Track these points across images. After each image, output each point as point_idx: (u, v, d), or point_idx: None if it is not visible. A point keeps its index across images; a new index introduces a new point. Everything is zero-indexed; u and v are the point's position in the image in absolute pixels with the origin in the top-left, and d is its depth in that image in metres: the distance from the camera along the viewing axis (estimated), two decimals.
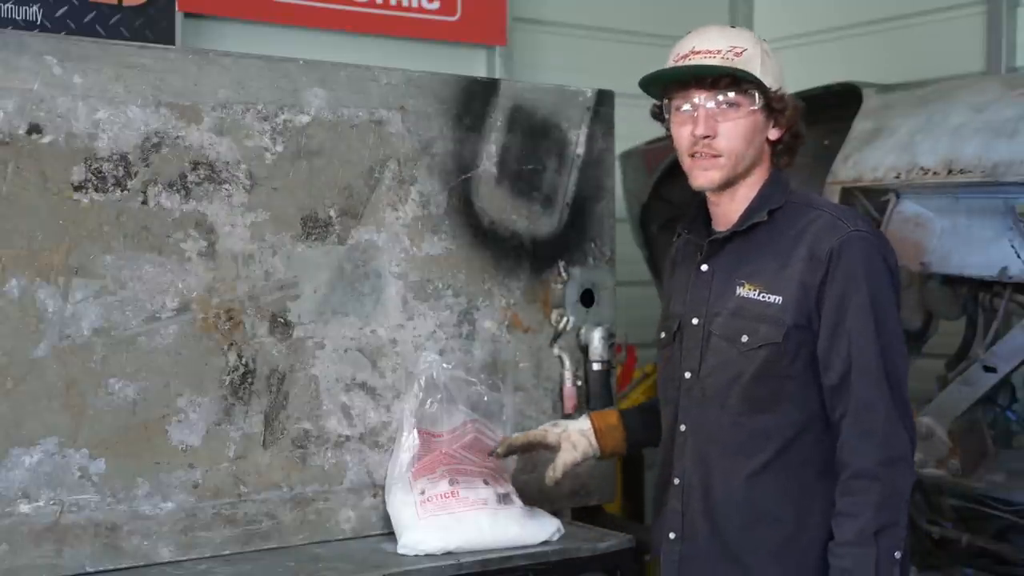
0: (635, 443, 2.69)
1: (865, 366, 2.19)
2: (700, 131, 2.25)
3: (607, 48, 5.38)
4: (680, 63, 2.28)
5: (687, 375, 2.36)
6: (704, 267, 2.37)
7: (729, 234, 2.33)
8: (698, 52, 2.26)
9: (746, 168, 2.30)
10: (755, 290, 2.27)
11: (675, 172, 4.32)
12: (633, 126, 3.94)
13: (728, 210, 2.34)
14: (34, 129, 2.45)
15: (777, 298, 2.24)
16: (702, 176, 2.29)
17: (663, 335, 2.47)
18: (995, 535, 3.45)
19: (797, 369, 2.24)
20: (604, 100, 3.20)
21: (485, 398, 2.89)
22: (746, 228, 2.31)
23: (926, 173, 3.23)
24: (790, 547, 2.25)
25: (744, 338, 2.26)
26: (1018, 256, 3.17)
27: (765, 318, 2.24)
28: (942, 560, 3.54)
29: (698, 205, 2.45)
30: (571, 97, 3.15)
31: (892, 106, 3.53)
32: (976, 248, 3.26)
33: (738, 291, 2.29)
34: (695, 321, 2.36)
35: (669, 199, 4.47)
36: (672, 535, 2.38)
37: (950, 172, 3.17)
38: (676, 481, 2.37)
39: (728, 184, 2.30)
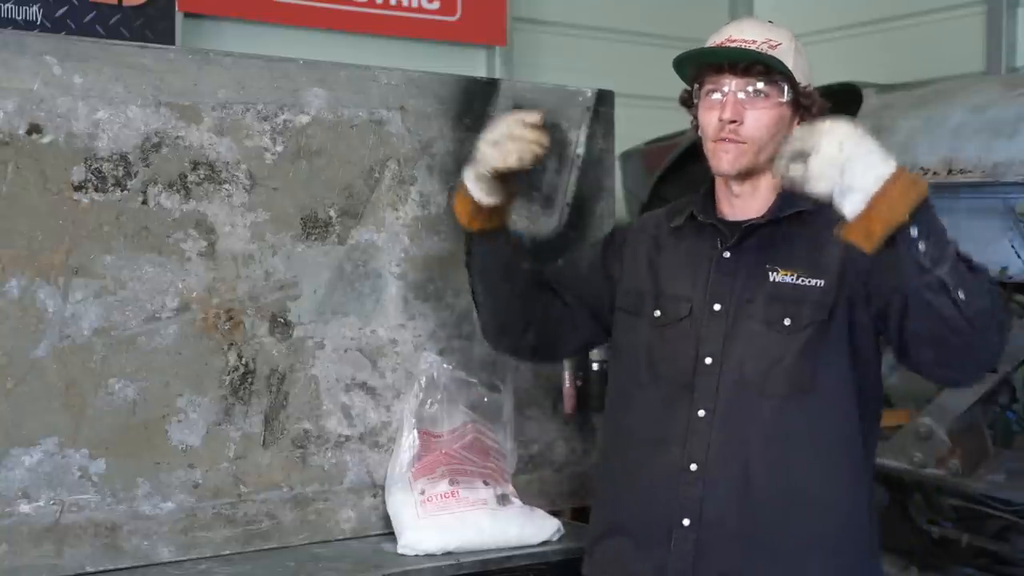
0: (505, 246, 2.47)
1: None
2: (727, 115, 2.24)
3: (607, 48, 5.39)
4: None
5: (707, 360, 2.30)
6: (727, 254, 2.33)
7: (764, 221, 2.30)
8: (734, 41, 2.27)
9: (768, 159, 2.25)
10: (792, 275, 2.25)
11: (675, 172, 4.34)
12: (633, 126, 3.95)
13: (749, 201, 2.33)
14: (34, 129, 2.44)
15: (818, 281, 2.23)
16: (725, 159, 2.27)
17: (658, 313, 2.38)
18: (995, 535, 3.45)
19: (840, 350, 2.23)
20: (604, 100, 3.19)
21: (485, 398, 2.89)
22: (780, 218, 2.29)
23: (926, 173, 3.23)
24: (833, 536, 2.22)
25: (787, 321, 2.24)
26: (1018, 256, 3.17)
27: (807, 301, 2.23)
28: (942, 560, 3.54)
29: (704, 194, 2.41)
30: (571, 97, 3.14)
31: (892, 106, 3.53)
32: (976, 248, 3.23)
33: (772, 277, 2.27)
34: (717, 307, 2.31)
35: (669, 199, 4.47)
36: (686, 522, 2.27)
37: (950, 172, 3.18)
38: (693, 467, 2.28)
39: (749, 173, 2.29)
